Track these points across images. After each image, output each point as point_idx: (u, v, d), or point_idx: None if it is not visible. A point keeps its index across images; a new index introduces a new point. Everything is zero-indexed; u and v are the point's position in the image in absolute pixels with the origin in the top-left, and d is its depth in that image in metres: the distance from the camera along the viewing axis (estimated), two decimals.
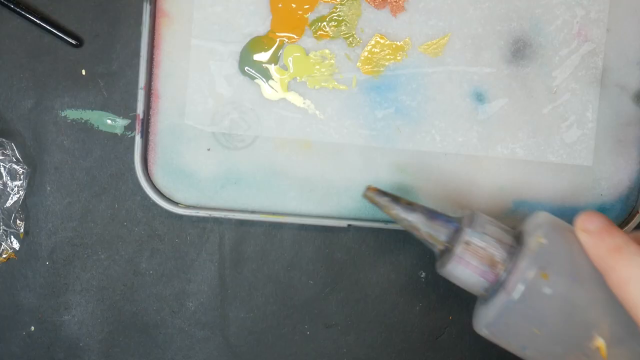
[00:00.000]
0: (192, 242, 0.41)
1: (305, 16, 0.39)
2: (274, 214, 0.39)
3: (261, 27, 0.39)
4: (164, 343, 0.41)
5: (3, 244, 0.40)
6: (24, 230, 0.40)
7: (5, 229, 0.40)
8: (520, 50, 0.39)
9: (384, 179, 0.39)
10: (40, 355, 0.41)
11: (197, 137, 0.39)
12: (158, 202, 0.39)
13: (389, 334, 0.41)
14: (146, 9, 0.38)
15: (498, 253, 0.31)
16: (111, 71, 0.40)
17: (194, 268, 0.41)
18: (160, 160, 0.39)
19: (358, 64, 0.39)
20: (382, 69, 0.39)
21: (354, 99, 0.39)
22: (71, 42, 0.39)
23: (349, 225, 0.39)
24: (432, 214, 0.33)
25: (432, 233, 0.33)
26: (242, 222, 0.40)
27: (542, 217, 0.32)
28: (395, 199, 0.34)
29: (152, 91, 0.39)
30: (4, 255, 0.40)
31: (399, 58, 0.39)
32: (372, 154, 0.39)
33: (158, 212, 0.40)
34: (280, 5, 0.39)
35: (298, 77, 0.39)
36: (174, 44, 0.39)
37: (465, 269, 0.31)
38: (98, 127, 0.40)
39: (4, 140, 0.40)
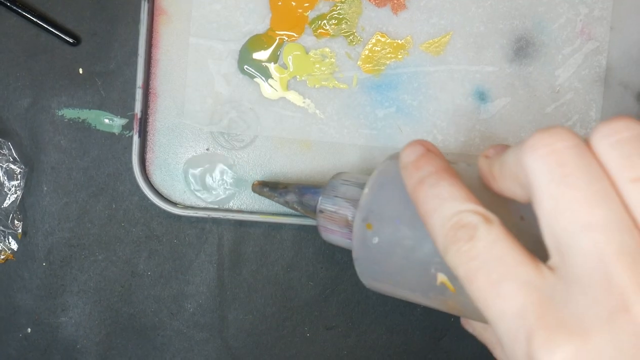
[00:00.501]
0: (190, 243, 0.40)
1: (305, 14, 0.39)
2: (273, 214, 0.39)
3: (260, 25, 0.39)
4: (162, 345, 0.41)
5: (1, 244, 0.40)
6: (21, 230, 0.40)
7: (3, 229, 0.40)
8: (522, 49, 0.39)
9: None
10: (37, 358, 0.41)
11: (196, 136, 0.39)
12: (156, 203, 0.39)
13: (390, 336, 0.41)
14: (144, 7, 0.38)
15: (349, 212, 0.31)
16: (109, 70, 0.40)
17: (192, 269, 0.40)
18: (158, 160, 0.39)
19: (359, 62, 0.39)
20: (383, 67, 0.39)
21: (354, 98, 0.39)
22: (68, 41, 0.39)
23: None
24: (302, 191, 0.34)
25: (305, 208, 0.34)
26: (241, 223, 0.40)
27: (384, 160, 0.30)
28: (274, 186, 0.36)
29: (150, 90, 0.39)
30: (1, 257, 0.40)
31: (400, 56, 0.39)
32: (372, 154, 0.39)
33: (156, 213, 0.40)
34: (280, 3, 0.39)
35: (298, 76, 0.39)
36: (172, 43, 0.39)
37: (330, 234, 0.32)
38: (95, 126, 0.40)
39: (0, 139, 0.39)
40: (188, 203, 0.39)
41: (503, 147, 0.25)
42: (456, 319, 0.41)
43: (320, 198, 0.32)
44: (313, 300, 0.41)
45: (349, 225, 0.31)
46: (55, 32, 0.39)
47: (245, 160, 0.39)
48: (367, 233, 0.28)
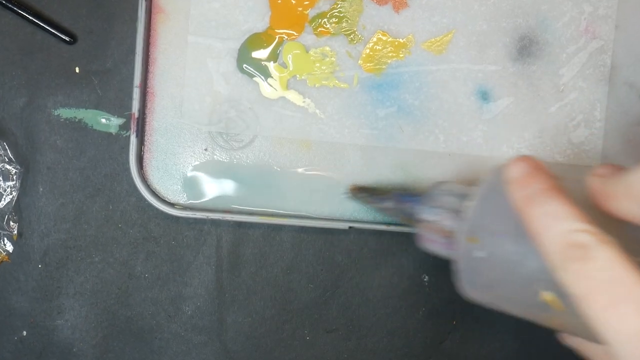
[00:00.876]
0: (188, 244, 0.40)
1: (305, 12, 0.38)
2: (272, 215, 0.39)
3: (260, 23, 0.38)
4: (159, 348, 0.40)
5: None
6: (17, 232, 0.40)
7: None
8: (526, 48, 0.39)
9: (386, 179, 0.39)
10: None
11: (194, 136, 0.39)
12: (153, 204, 0.38)
13: (391, 339, 0.40)
14: (142, 4, 0.37)
15: (448, 224, 0.31)
16: (106, 69, 0.39)
17: (190, 271, 0.40)
18: (156, 160, 0.39)
19: (359, 61, 0.39)
20: (384, 66, 0.39)
21: (355, 97, 0.39)
22: (64, 39, 0.39)
23: (350, 227, 0.38)
24: (401, 198, 0.34)
25: (404, 216, 0.34)
26: (240, 224, 0.40)
27: (489, 173, 0.30)
28: (372, 191, 0.36)
29: (148, 89, 0.38)
30: None
31: (401, 55, 0.39)
32: (373, 154, 0.39)
33: (153, 214, 0.40)
34: (279, 1, 0.38)
35: (298, 75, 0.39)
36: (170, 41, 0.38)
37: (430, 244, 0.32)
38: (92, 126, 0.39)
39: None
40: (186, 204, 0.39)
41: (617, 167, 0.25)
42: (459, 322, 0.40)
43: (420, 207, 0.32)
44: (313, 303, 0.40)
45: (449, 235, 0.31)
46: (51, 30, 0.38)
47: (244, 161, 0.39)
48: (471, 246, 0.28)
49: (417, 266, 0.40)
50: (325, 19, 0.38)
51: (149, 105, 0.38)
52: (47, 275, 0.40)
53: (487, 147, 0.39)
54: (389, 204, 0.35)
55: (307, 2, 0.38)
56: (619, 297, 0.20)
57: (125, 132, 0.39)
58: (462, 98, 0.39)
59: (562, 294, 0.25)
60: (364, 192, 0.36)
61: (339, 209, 0.39)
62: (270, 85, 0.39)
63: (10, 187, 0.39)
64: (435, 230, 0.31)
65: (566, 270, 0.22)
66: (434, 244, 0.32)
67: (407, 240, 0.40)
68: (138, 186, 0.38)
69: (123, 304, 0.40)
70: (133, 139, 0.38)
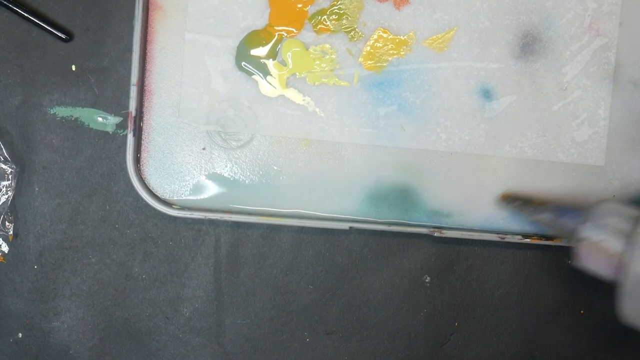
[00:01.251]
0: (186, 245, 0.40)
1: (305, 9, 0.38)
2: (272, 215, 0.38)
3: (259, 20, 0.38)
4: (157, 350, 0.40)
5: None
6: (12, 232, 0.39)
7: None
8: (529, 45, 0.38)
9: (387, 179, 0.39)
10: None
11: (192, 135, 0.38)
12: (151, 204, 0.38)
13: (392, 340, 0.40)
14: (139, 1, 0.37)
15: (614, 245, 0.31)
16: (102, 67, 0.39)
17: (188, 272, 0.40)
18: (153, 159, 0.38)
19: (360, 59, 0.38)
20: (385, 64, 0.38)
21: (355, 95, 0.38)
22: (60, 36, 0.38)
23: (351, 227, 0.38)
24: (560, 212, 0.34)
25: (561, 230, 0.34)
26: (238, 224, 0.40)
27: None
28: (527, 201, 0.36)
29: (145, 87, 0.38)
30: None
31: (402, 53, 0.38)
32: (374, 153, 0.39)
33: (151, 214, 0.39)
34: None
35: (297, 73, 0.38)
36: (167, 38, 0.38)
37: (590, 263, 0.32)
38: (88, 125, 0.39)
39: None
40: (184, 204, 0.39)
41: None
42: (461, 324, 0.40)
43: (583, 224, 0.32)
44: (313, 304, 0.40)
45: (614, 257, 0.31)
46: (47, 27, 0.38)
47: (242, 160, 0.39)
48: None
49: (418, 267, 0.40)
50: (325, 16, 0.38)
51: (146, 103, 0.38)
52: (43, 277, 0.40)
53: (489, 146, 0.39)
54: (545, 217, 0.35)
55: None
56: None
57: (122, 131, 0.39)
58: (464, 96, 0.38)
59: None
60: (518, 201, 0.36)
61: (339, 209, 0.39)
62: (269, 84, 0.38)
63: (6, 187, 0.39)
64: (599, 250, 0.31)
65: None
66: (594, 264, 0.32)
67: (409, 241, 0.40)
68: (135, 186, 0.38)
69: (120, 305, 0.40)
70: (130, 138, 0.38)
